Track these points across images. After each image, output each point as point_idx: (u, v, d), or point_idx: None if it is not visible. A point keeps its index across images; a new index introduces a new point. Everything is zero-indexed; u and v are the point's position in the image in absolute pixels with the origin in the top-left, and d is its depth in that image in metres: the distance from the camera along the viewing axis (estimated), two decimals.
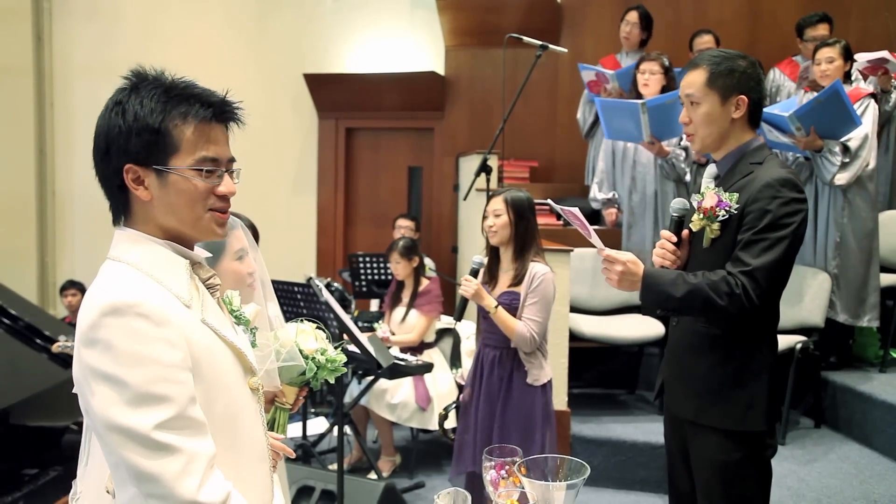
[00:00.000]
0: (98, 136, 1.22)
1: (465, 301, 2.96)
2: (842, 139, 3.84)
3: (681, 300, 1.95)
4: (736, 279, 1.91)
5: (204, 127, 1.22)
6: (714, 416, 2.02)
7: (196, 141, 1.21)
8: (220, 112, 1.24)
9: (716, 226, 2.00)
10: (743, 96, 2.02)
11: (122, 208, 1.24)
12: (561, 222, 4.85)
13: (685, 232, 2.12)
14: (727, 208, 1.97)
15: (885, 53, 4.27)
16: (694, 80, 2.04)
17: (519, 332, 2.85)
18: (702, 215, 2.03)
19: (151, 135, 1.18)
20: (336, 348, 1.64)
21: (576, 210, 2.00)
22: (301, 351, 1.57)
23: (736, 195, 1.98)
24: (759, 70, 2.10)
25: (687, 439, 2.13)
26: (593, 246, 2.07)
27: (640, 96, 4.31)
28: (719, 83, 2.01)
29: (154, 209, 1.22)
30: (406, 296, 4.37)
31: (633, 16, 4.97)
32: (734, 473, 2.01)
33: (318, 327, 1.65)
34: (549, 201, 2.28)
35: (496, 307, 2.88)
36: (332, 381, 1.65)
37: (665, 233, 2.13)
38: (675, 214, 2.14)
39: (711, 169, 2.14)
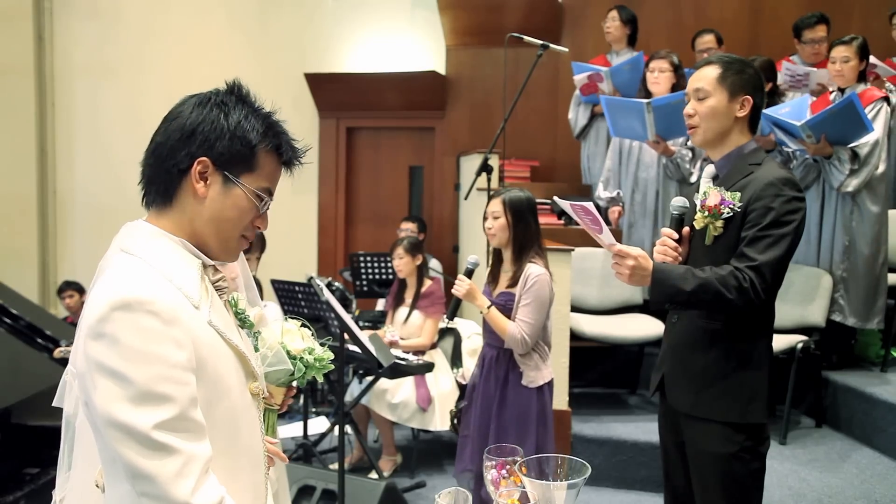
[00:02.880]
0: (186, 118, 1.23)
1: (457, 300, 2.97)
2: (851, 145, 3.79)
3: (691, 294, 1.99)
4: (743, 274, 1.96)
5: (278, 164, 1.30)
6: (716, 408, 2.07)
7: (269, 172, 1.28)
8: (294, 158, 1.31)
9: (719, 223, 2.06)
10: (749, 97, 2.11)
11: (167, 193, 1.24)
12: (562, 221, 4.85)
13: (686, 230, 2.17)
14: (731, 206, 2.03)
15: (871, 59, 4.27)
16: (706, 75, 2.13)
17: (510, 333, 2.84)
18: (706, 213, 2.08)
19: (244, 147, 1.24)
20: (323, 346, 1.63)
21: (589, 204, 1.99)
22: (288, 351, 1.55)
23: (738, 194, 2.04)
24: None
25: (684, 432, 2.16)
26: (598, 244, 2.07)
27: (648, 94, 4.32)
28: (729, 80, 2.10)
29: (201, 208, 1.24)
30: (409, 296, 4.36)
31: (612, 13, 5.04)
32: (732, 466, 2.05)
33: (303, 325, 1.63)
34: (555, 198, 2.27)
35: (488, 307, 2.89)
36: (320, 378, 1.64)
37: (666, 230, 2.17)
38: (675, 212, 2.18)
39: (710, 169, 2.20)
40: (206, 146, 1.22)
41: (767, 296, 1.99)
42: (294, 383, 1.60)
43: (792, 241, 2.00)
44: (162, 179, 1.24)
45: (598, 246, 4.22)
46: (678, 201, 2.19)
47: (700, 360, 2.10)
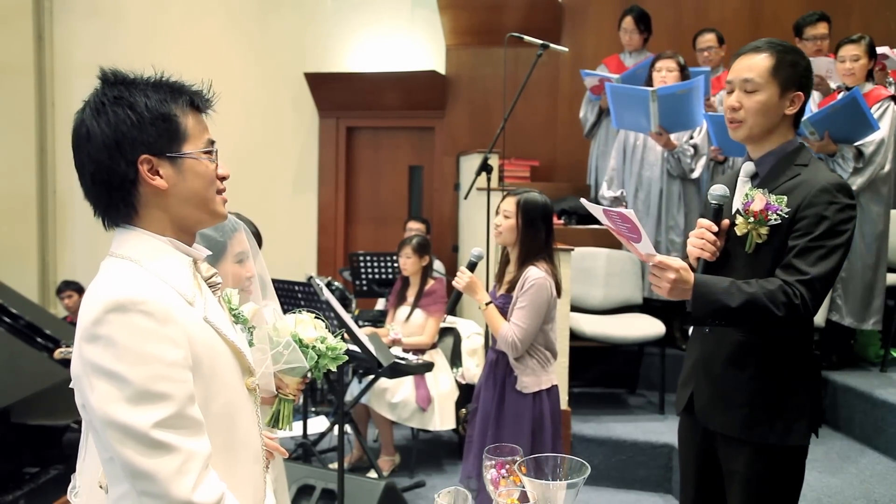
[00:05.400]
0: (99, 133, 1.19)
1: (458, 294, 2.91)
2: (857, 143, 3.78)
3: (736, 311, 1.80)
4: (794, 289, 1.79)
5: (198, 114, 1.27)
6: (759, 430, 1.91)
7: (198, 127, 1.25)
8: (205, 102, 1.29)
9: (764, 230, 1.88)
10: (800, 93, 1.92)
11: (127, 206, 1.22)
12: (562, 221, 4.85)
13: (725, 222, 1.96)
14: (778, 212, 1.85)
15: (885, 49, 4.26)
16: (757, 65, 1.90)
17: (502, 334, 2.77)
18: (751, 219, 1.89)
19: (165, 122, 1.21)
20: (335, 336, 1.64)
21: (629, 211, 1.78)
22: (301, 340, 1.57)
23: (784, 198, 1.86)
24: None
25: (720, 452, 2.01)
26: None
27: None
28: (783, 74, 1.89)
29: (170, 198, 1.22)
30: (411, 294, 4.36)
31: (628, 22, 4.97)
32: (772, 489, 1.92)
33: (316, 317, 1.65)
34: (583, 200, 2.02)
35: (487, 304, 2.83)
36: (334, 368, 1.65)
37: (704, 221, 1.95)
38: (714, 202, 1.95)
39: (749, 167, 1.99)
40: (138, 144, 1.19)
41: (816, 311, 1.83)
42: (308, 374, 1.61)
43: (844, 253, 1.83)
44: (118, 199, 1.21)
45: (599, 246, 4.18)
46: (718, 189, 1.94)
47: (739, 377, 1.93)
